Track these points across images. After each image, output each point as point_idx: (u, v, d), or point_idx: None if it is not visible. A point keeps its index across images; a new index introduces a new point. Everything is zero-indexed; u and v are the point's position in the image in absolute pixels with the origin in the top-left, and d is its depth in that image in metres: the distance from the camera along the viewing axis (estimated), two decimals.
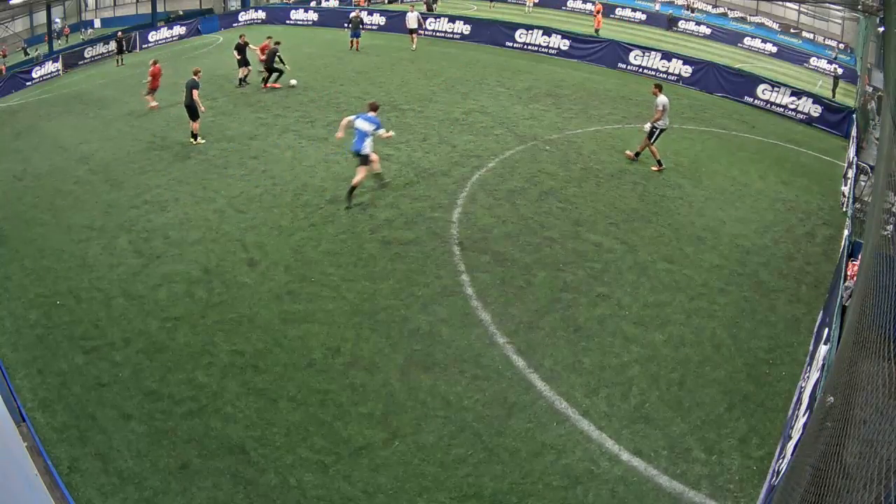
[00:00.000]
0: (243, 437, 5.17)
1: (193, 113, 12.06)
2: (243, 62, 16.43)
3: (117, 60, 22.78)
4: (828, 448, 2.97)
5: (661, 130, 10.38)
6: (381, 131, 8.92)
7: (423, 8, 28.73)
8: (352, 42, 21.45)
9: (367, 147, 8.90)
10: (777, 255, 8.52)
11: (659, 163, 10.71)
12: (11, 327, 6.73)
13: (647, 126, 10.66)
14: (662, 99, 10.35)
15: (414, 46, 21.44)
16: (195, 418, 5.37)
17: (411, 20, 21.91)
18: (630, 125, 14.02)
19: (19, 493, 3.23)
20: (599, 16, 27.42)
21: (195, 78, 12.11)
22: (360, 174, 9.16)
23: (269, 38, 16.57)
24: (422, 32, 22.99)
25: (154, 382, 5.80)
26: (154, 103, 14.83)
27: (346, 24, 23.11)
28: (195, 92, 11.91)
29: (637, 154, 10.81)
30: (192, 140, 12.20)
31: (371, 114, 8.98)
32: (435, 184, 10.12)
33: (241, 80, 16.50)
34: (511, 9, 35.42)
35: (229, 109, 14.54)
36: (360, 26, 22.08)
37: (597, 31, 25.68)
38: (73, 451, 5.02)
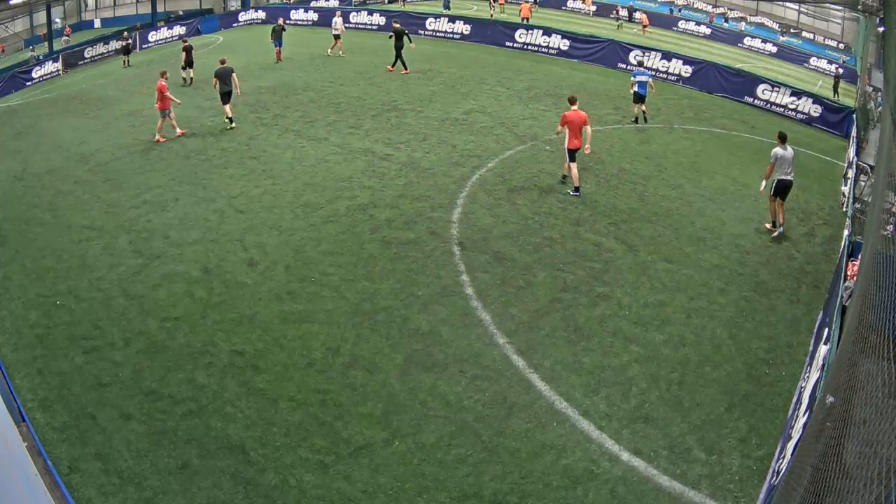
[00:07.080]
0: (243, 437, 5.17)
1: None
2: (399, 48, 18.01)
3: (124, 61, 22.72)
4: (828, 448, 2.97)
5: (784, 186, 8.61)
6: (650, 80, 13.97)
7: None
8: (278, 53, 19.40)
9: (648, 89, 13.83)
10: (777, 255, 8.52)
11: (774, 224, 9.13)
12: (11, 327, 6.73)
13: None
14: (776, 151, 8.61)
15: (330, 52, 20.36)
16: (195, 418, 5.37)
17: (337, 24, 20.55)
18: (630, 125, 14.02)
19: (19, 493, 3.23)
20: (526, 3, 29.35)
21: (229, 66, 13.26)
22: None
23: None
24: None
25: (154, 382, 5.80)
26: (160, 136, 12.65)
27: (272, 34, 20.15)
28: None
29: (776, 224, 8.86)
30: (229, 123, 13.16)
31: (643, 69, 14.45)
32: (435, 184, 10.12)
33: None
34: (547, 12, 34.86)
35: None
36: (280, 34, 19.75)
37: (523, 18, 26.71)
38: (73, 451, 5.02)
